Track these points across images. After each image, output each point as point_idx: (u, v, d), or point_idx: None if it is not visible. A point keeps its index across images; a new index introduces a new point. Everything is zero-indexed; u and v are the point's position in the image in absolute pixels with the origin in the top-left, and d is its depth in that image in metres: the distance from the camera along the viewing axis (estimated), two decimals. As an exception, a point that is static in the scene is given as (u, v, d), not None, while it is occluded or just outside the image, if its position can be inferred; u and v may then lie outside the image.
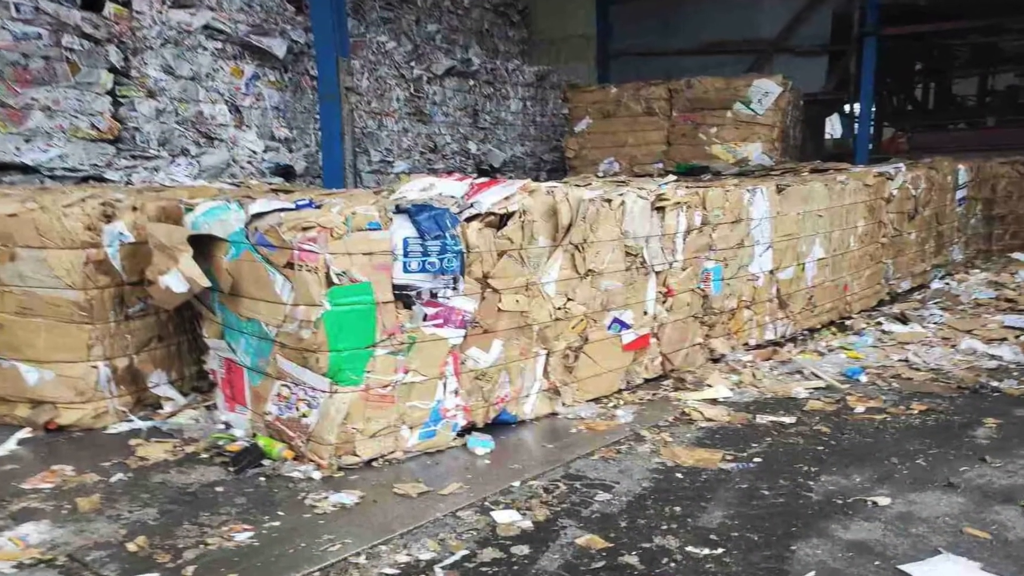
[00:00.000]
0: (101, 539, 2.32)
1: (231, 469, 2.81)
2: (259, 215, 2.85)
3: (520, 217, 3.11)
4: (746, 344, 4.44)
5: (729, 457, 2.95)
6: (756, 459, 2.93)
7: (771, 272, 4.54)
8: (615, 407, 3.53)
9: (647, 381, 3.86)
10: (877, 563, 2.17)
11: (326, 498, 2.57)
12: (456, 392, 3.04)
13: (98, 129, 5.37)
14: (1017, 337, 4.62)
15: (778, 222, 4.49)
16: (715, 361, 4.21)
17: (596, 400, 3.58)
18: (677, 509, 2.51)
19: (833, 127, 13.49)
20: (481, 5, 10.36)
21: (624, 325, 3.68)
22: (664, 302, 3.87)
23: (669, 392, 3.76)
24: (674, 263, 3.87)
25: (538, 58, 11.30)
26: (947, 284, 6.48)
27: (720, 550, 2.24)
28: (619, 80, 9.63)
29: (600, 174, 7.98)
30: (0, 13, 4.92)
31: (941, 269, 6.72)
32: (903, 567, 2.15)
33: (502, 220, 3.07)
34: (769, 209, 4.42)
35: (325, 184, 6.70)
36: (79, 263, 3.12)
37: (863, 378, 3.97)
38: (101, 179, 5.39)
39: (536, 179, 3.86)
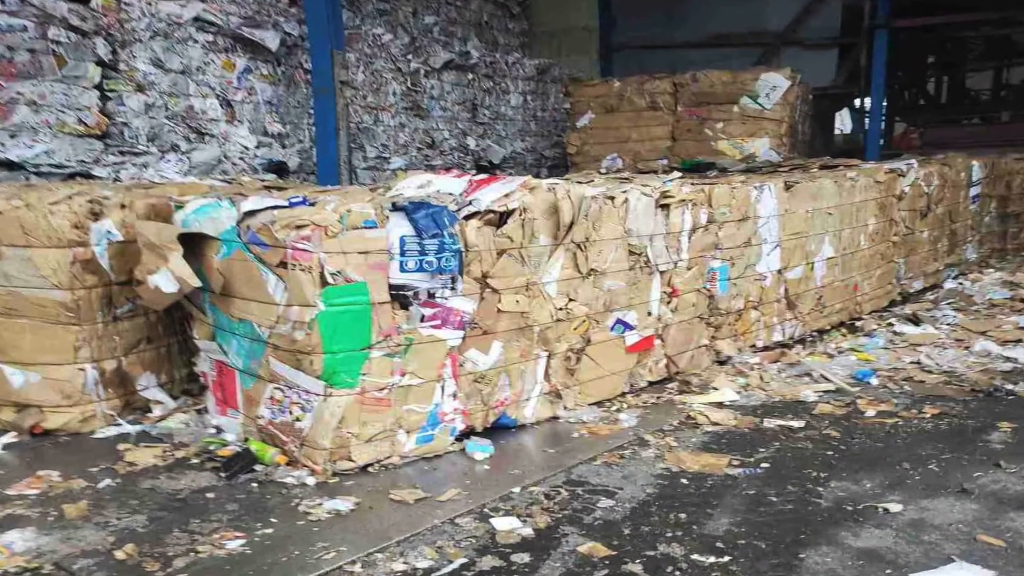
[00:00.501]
0: (88, 547, 2.29)
1: (222, 475, 2.77)
2: (251, 213, 2.81)
3: (520, 215, 3.07)
4: (753, 346, 4.42)
5: (736, 462, 2.92)
6: (764, 464, 2.90)
7: (779, 272, 4.52)
8: (618, 411, 3.51)
9: (651, 384, 3.83)
10: (888, 571, 2.14)
11: (320, 504, 2.54)
12: (454, 395, 3.01)
13: (85, 124, 5.31)
14: (1032, 338, 4.59)
15: (786, 220, 4.47)
16: (721, 363, 4.19)
17: (599, 404, 3.56)
18: (682, 516, 2.48)
19: (843, 122, 13.43)
20: (480, -4, 10.27)
21: (627, 326, 3.65)
22: (669, 303, 3.84)
23: (674, 395, 3.73)
24: (679, 262, 3.84)
25: (539, 51, 11.21)
26: (960, 284, 6.45)
27: (726, 558, 2.21)
28: (622, 74, 9.55)
29: (603, 170, 7.93)
30: (-16, 5, 4.87)
31: (954, 268, 6.68)
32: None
33: (502, 218, 3.04)
34: (777, 207, 4.39)
35: (319, 181, 6.66)
36: (66, 262, 3.09)
37: (874, 381, 3.94)
38: (88, 176, 5.33)
39: (537, 176, 3.83)
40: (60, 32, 5.14)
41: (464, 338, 2.98)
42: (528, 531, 2.37)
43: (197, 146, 6.11)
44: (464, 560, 2.21)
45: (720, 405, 3.57)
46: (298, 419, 2.79)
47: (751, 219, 4.23)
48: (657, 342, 3.82)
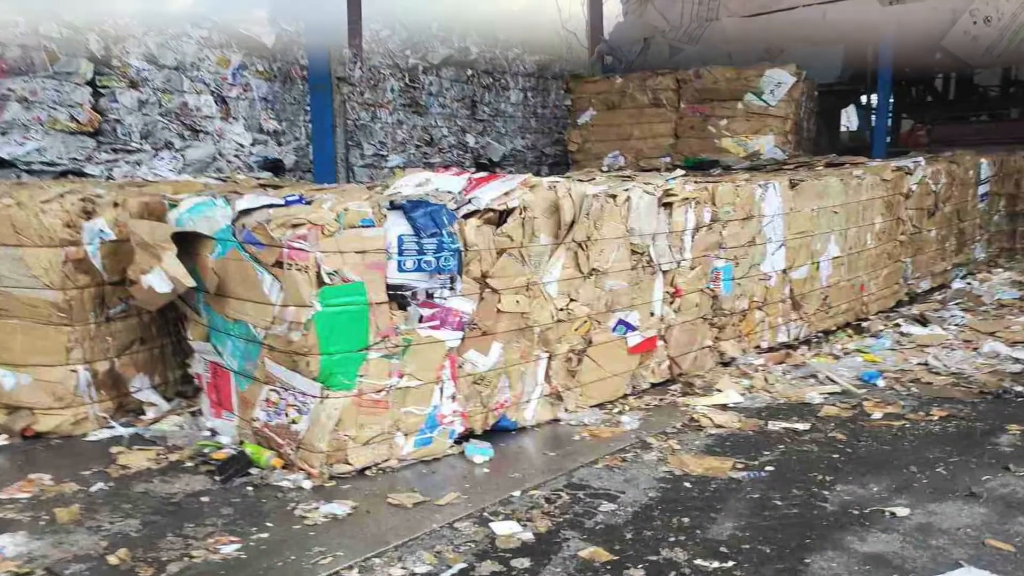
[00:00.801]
0: (80, 551, 2.28)
1: (217, 478, 2.76)
2: (246, 211, 2.80)
3: (520, 213, 3.05)
4: (758, 347, 4.40)
5: (740, 465, 2.90)
6: (768, 468, 2.89)
7: (784, 271, 4.50)
8: (620, 413, 3.49)
9: (654, 386, 3.82)
10: (895, 577, 2.12)
11: (317, 508, 2.53)
12: (453, 397, 2.98)
13: (78, 121, 5.31)
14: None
15: (791, 219, 4.45)
16: (725, 365, 4.18)
17: (600, 406, 3.55)
18: (685, 520, 2.46)
19: (849, 119, 13.34)
20: (480, -9, 10.21)
21: (629, 327, 3.62)
22: (672, 303, 3.82)
23: (677, 397, 3.72)
24: (682, 262, 3.82)
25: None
26: (969, 284, 6.44)
27: (730, 563, 2.20)
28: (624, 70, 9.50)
29: (604, 168, 7.89)
30: (-28, 0, 4.86)
31: (962, 268, 6.67)
32: (922, 582, 2.11)
33: (501, 217, 3.02)
34: (782, 205, 4.37)
35: (316, 179, 6.65)
36: (58, 262, 3.08)
37: (880, 382, 3.92)
38: (81, 173, 5.34)
39: (537, 173, 3.82)
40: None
41: (463, 339, 2.96)
42: (528, 535, 2.36)
43: (191, 143, 6.10)
44: (463, 565, 2.19)
45: (724, 407, 3.55)
46: (294, 421, 2.77)
47: (755, 218, 4.21)
48: (660, 343, 3.80)
